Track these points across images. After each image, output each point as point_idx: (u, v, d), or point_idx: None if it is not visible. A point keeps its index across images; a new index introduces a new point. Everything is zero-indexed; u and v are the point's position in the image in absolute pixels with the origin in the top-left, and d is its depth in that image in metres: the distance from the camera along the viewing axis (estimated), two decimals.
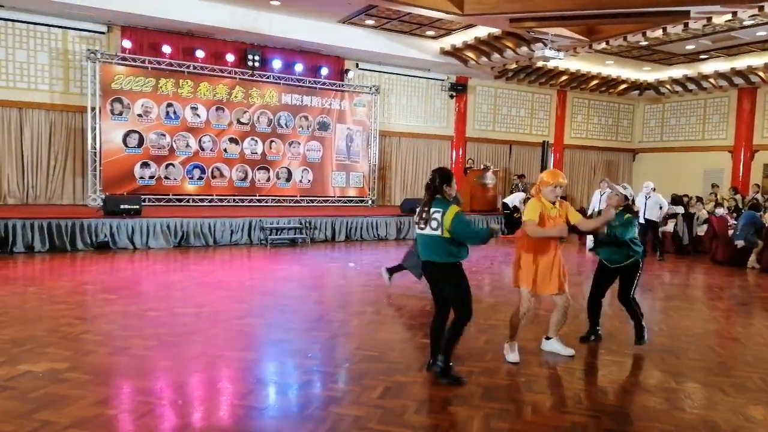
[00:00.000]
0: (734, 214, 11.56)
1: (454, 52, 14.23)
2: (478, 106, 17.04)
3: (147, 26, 12.05)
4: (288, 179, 13.73)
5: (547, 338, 4.86)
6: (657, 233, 10.93)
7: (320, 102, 13.99)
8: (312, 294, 7.07)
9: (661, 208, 10.67)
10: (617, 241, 4.82)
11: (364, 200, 14.78)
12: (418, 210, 4.10)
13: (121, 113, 11.87)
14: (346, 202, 14.52)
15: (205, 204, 12.71)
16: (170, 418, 3.39)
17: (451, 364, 4.06)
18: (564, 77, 16.63)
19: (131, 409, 3.49)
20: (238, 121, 13.06)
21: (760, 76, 15.02)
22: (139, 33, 12.12)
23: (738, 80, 15.71)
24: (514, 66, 14.80)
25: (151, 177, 12.23)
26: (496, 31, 12.61)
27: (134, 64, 11.92)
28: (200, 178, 12.75)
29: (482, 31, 12.99)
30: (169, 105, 12.33)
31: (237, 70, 12.91)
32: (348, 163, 14.53)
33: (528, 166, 17.54)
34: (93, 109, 11.61)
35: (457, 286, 4.01)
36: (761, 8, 9.47)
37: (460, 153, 16.70)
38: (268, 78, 13.27)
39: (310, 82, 13.76)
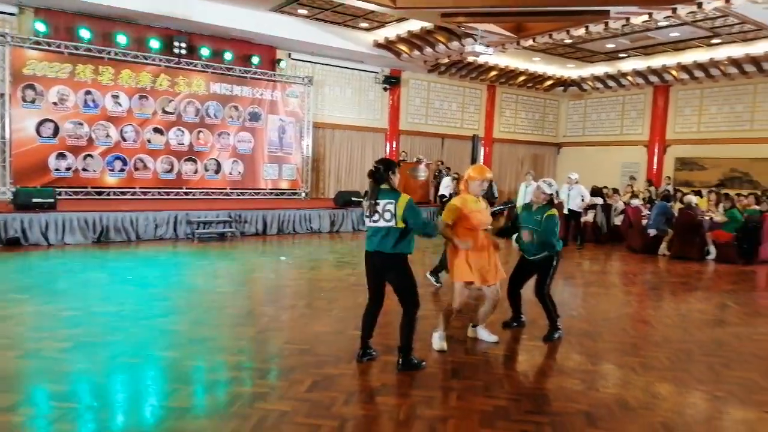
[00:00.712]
0: (648, 205, 12.29)
1: (388, 45, 14.28)
2: (411, 99, 17.21)
3: (63, 8, 11.30)
4: (217, 171, 13.33)
5: (474, 325, 5.00)
6: (579, 223, 11.47)
7: (251, 92, 13.66)
8: (241, 289, 6.93)
9: (583, 199, 11.20)
10: (539, 235, 4.98)
11: (297, 193, 14.59)
12: (365, 201, 4.12)
13: (33, 101, 11.10)
14: (278, 195, 14.28)
15: (127, 197, 12.13)
16: (85, 422, 3.23)
17: (411, 355, 4.15)
18: (493, 73, 17.07)
19: (41, 414, 3.30)
20: (164, 111, 12.52)
21: (673, 75, 16.03)
22: (55, 15, 11.35)
23: (653, 78, 16.69)
24: (446, 60, 15.04)
25: (68, 169, 11.53)
26: (428, 25, 12.75)
27: (49, 48, 11.15)
28: (122, 170, 12.15)
29: (415, 25, 13.10)
30: (88, 92, 11.65)
31: (162, 57, 12.36)
32: (280, 155, 14.30)
33: (459, 160, 17.90)
34: (2, 95, 10.79)
35: (405, 276, 4.11)
36: (674, 10, 10.11)
37: (394, 146, 16.83)
38: (195, 66, 12.81)
39: (240, 71, 13.40)
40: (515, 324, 5.41)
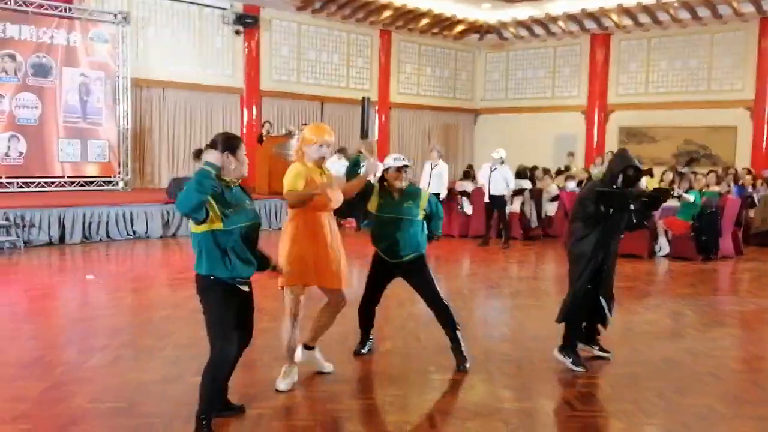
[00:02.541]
0: None
1: None
2: (276, 48, 17.10)
3: None
4: None
5: (308, 347, 5.03)
6: (504, 214, 12.00)
7: (35, 34, 13.00)
8: (24, 326, 6.60)
9: (507, 184, 11.68)
10: (402, 227, 5.17)
11: (111, 181, 14.19)
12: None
13: None
14: (82, 185, 13.79)
15: None
16: None
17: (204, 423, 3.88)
18: (387, 12, 17.39)
19: None
20: None
21: (613, 20, 17.25)
22: None
23: (590, 24, 17.87)
24: None
25: None
26: None
27: None
28: None
29: None
30: None
31: None
32: (85, 127, 13.77)
33: (346, 131, 18.06)
34: None
35: (207, 305, 3.95)
36: None
37: (254, 113, 16.64)
38: None
39: (16, 1, 12.67)
40: (364, 351, 5.54)
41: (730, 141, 16.93)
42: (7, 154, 12.78)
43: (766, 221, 12.46)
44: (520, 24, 18.67)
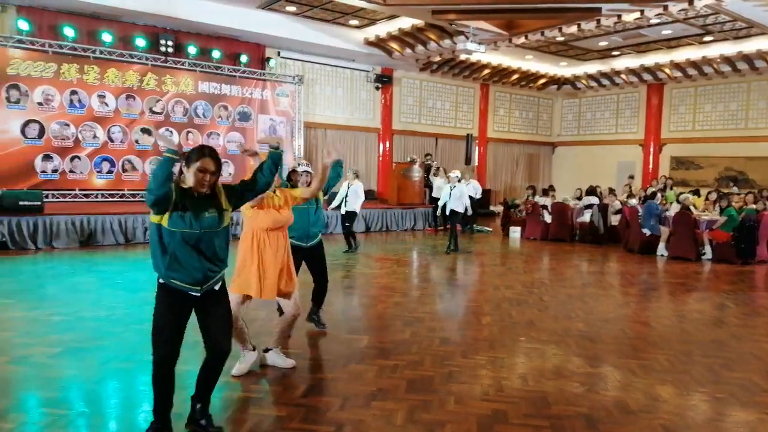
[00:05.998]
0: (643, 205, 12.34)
1: (378, 43, 14.29)
2: (404, 98, 17.23)
3: (46, 6, 11.21)
4: None
5: (266, 350, 4.29)
6: (455, 225, 10.62)
7: (240, 91, 13.62)
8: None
9: (463, 202, 10.34)
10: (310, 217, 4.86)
11: None
12: None
13: (18, 101, 11.00)
14: None
15: (116, 200, 12.06)
16: (77, 428, 3.21)
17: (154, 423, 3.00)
18: (486, 71, 17.13)
19: (32, 421, 3.27)
20: (151, 110, 12.46)
21: (666, 73, 16.17)
22: (38, 13, 11.26)
23: (647, 76, 16.84)
24: (438, 59, 15.07)
25: (55, 171, 11.44)
26: (419, 22, 12.78)
27: (33, 47, 11.06)
28: (110, 172, 12.07)
29: (406, 22, 13.12)
30: (73, 92, 11.56)
31: (148, 55, 12.30)
32: None
33: (453, 159, 17.95)
34: None
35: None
36: (666, 7, 10.22)
37: (387, 146, 16.84)
38: (182, 65, 12.75)
39: (228, 69, 13.36)
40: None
41: (764, 168, 15.46)
42: (221, 174, 13.50)
43: None
44: (590, 77, 17.88)
